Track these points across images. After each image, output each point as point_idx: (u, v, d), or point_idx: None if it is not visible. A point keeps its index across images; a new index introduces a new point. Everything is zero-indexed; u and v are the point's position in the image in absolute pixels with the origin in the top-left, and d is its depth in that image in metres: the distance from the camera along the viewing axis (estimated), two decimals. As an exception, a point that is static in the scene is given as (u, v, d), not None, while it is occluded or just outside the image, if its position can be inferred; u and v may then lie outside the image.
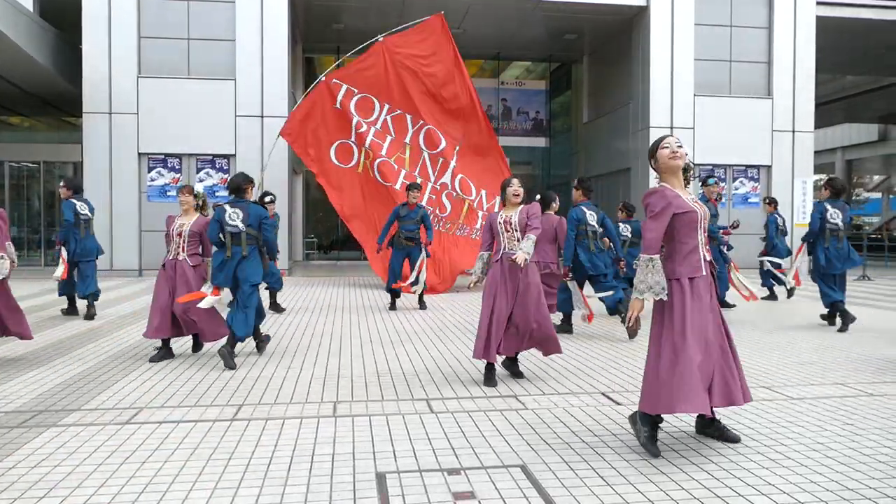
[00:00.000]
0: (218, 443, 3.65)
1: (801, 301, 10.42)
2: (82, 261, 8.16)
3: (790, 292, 10.57)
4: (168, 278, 5.81)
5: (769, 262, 10.68)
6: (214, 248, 5.74)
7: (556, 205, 7.25)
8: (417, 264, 9.22)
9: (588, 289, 7.48)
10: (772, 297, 10.57)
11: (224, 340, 5.81)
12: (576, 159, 21.16)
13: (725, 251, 8.56)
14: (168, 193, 14.33)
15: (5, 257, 5.47)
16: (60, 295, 8.37)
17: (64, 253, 8.07)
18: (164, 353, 5.81)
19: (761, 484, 3.10)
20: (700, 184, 8.80)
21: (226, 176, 14.40)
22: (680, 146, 3.64)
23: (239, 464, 3.34)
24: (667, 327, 3.43)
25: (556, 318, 7.48)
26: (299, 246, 19.18)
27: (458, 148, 12.25)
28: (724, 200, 8.64)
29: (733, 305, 9.31)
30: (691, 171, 3.66)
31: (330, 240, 22.00)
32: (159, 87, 14.09)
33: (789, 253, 11.13)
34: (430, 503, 2.89)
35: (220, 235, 5.62)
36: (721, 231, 8.71)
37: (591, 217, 7.19)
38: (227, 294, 5.88)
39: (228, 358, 5.43)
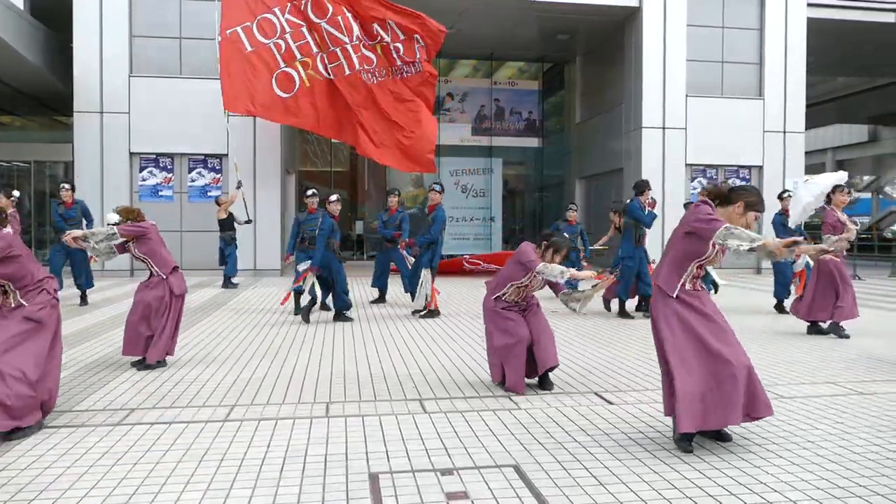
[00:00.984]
0: (210, 443, 3.63)
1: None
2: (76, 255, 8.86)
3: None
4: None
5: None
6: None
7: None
8: (422, 281, 8.59)
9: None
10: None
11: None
12: (569, 159, 21.20)
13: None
14: (160, 193, 14.28)
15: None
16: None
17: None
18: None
19: (753, 482, 3.11)
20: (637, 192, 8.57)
21: (218, 176, 14.35)
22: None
23: (231, 464, 3.33)
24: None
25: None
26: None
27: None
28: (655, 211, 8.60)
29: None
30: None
31: None
32: (151, 86, 14.02)
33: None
34: (423, 503, 2.89)
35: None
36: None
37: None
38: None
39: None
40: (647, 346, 5.73)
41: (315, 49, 12.03)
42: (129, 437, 3.74)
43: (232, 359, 5.85)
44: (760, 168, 16.40)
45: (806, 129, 16.84)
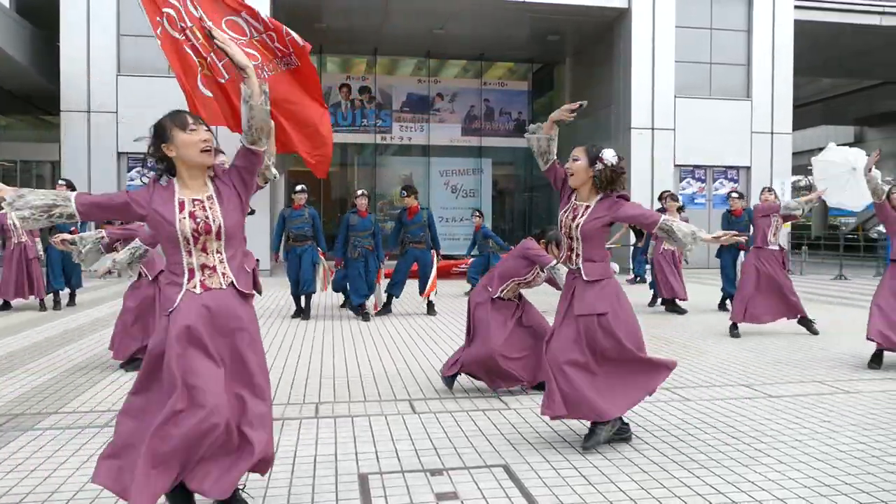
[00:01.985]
0: (199, 445, 3.61)
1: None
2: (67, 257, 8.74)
3: None
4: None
5: None
6: None
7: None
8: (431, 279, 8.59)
9: None
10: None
11: None
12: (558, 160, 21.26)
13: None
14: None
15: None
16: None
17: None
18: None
19: (741, 481, 3.13)
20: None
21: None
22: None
23: (220, 466, 3.30)
24: None
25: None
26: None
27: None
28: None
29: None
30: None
31: None
32: (139, 85, 13.91)
33: None
34: (412, 504, 2.89)
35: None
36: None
37: None
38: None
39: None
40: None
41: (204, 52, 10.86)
42: (117, 438, 3.71)
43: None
44: (748, 169, 16.53)
45: (793, 130, 17.00)
